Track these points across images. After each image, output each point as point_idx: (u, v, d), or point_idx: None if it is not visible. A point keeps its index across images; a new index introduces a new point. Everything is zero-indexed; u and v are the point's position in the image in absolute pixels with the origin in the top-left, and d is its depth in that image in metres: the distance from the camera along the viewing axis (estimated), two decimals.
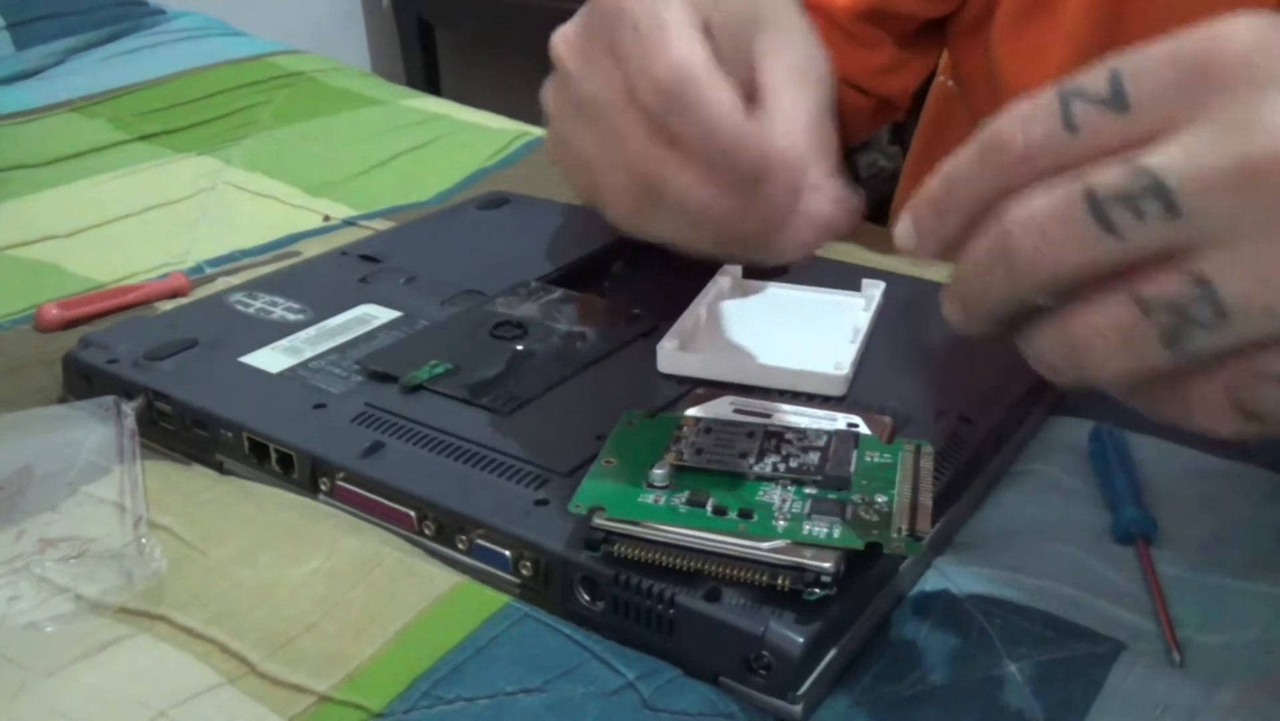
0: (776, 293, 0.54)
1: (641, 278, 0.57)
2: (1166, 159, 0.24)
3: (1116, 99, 0.25)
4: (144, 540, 0.38)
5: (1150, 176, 0.24)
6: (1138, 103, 0.25)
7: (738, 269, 0.54)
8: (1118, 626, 0.37)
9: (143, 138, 0.89)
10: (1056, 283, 0.26)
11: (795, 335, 0.49)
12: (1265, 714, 0.33)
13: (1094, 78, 0.25)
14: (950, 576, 0.40)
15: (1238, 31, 0.24)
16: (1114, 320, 0.26)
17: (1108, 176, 0.25)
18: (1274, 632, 0.36)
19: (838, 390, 0.44)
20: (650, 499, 0.35)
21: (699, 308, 0.50)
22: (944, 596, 0.39)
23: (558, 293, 0.54)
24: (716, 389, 0.44)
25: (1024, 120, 0.26)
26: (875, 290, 0.52)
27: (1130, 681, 0.35)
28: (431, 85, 1.99)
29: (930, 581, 0.40)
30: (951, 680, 0.35)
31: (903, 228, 0.30)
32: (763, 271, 0.54)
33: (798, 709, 0.33)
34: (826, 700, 0.34)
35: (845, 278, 0.53)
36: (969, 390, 0.45)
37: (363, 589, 0.37)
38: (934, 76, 0.80)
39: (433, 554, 0.39)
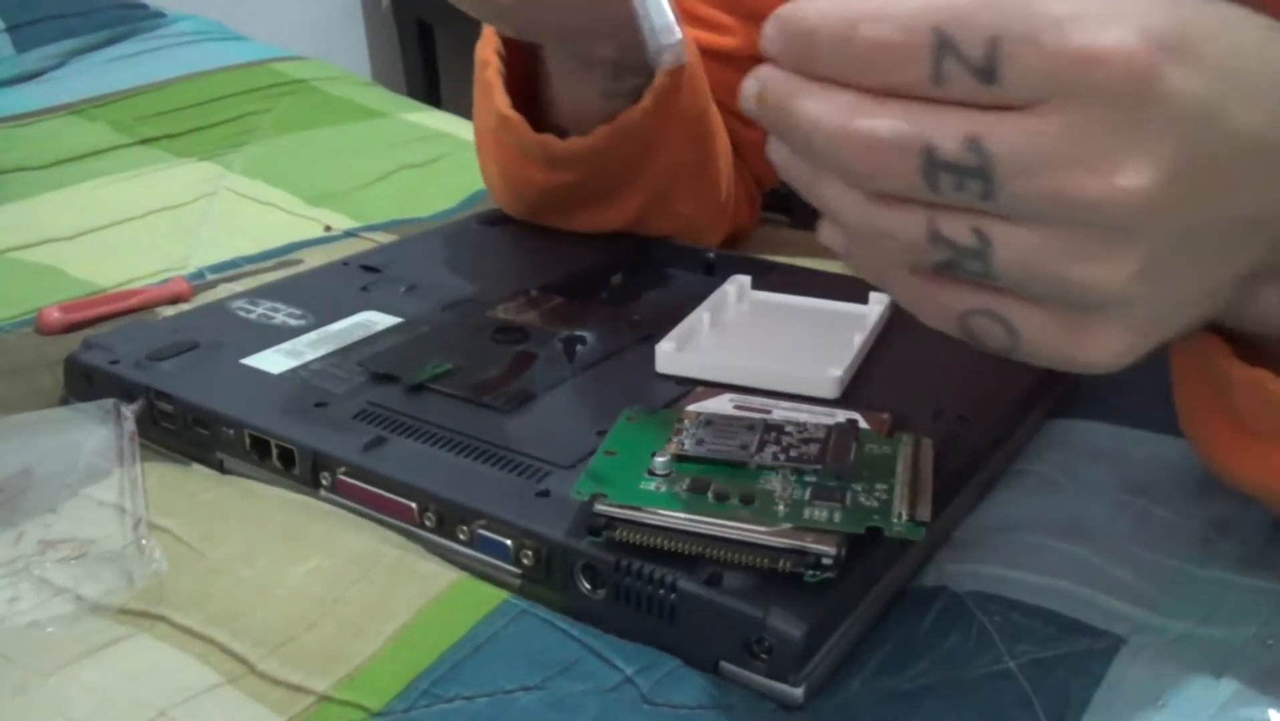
0: (782, 302, 0.54)
1: (640, 289, 0.58)
2: (1005, 148, 0.26)
3: (988, 73, 0.25)
4: (144, 541, 0.38)
5: (984, 160, 0.26)
6: (1008, 81, 0.25)
7: (745, 279, 0.54)
8: (1117, 621, 0.37)
9: (143, 141, 0.89)
10: (858, 183, 0.28)
11: (796, 341, 0.50)
12: (1264, 708, 0.33)
13: (973, 39, 0.25)
14: (950, 573, 0.40)
15: (1126, 47, 0.25)
16: (904, 232, 0.28)
17: (948, 143, 0.26)
18: (1273, 627, 0.36)
19: (831, 392, 0.44)
20: (652, 486, 0.36)
21: (702, 313, 0.50)
22: (944, 593, 0.39)
23: (557, 300, 0.54)
24: (716, 388, 0.44)
25: (892, 56, 0.26)
26: (881, 302, 0.52)
27: (1129, 676, 0.35)
28: (431, 86, 1.99)
29: (930, 578, 0.40)
30: (952, 676, 0.35)
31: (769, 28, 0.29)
32: (768, 281, 0.55)
33: (799, 691, 0.33)
34: (827, 692, 0.34)
35: (852, 290, 0.54)
36: (968, 391, 0.45)
37: (361, 587, 0.37)
38: None
39: (433, 547, 0.39)
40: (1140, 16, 0.25)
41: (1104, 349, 0.28)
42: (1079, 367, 0.28)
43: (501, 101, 0.56)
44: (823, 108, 0.27)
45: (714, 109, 0.63)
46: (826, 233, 0.31)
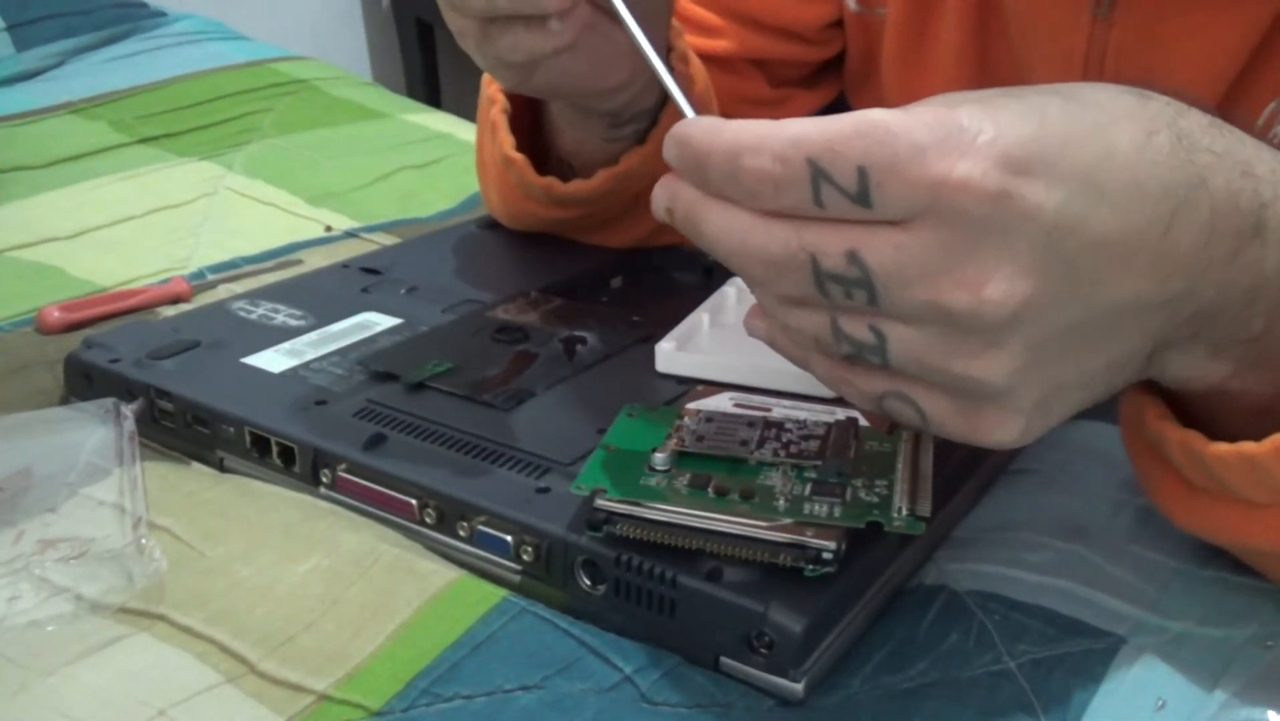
0: None
1: (640, 292, 0.58)
2: (881, 261, 0.28)
3: (862, 198, 0.27)
4: (144, 540, 0.38)
5: (864, 271, 0.28)
6: (879, 205, 0.27)
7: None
8: (1117, 621, 0.37)
9: (143, 141, 0.89)
10: (765, 288, 0.31)
11: None
12: (1264, 708, 0.33)
13: (844, 170, 0.27)
14: (950, 572, 0.40)
15: (979, 173, 0.27)
16: (811, 328, 0.31)
17: (829, 260, 0.29)
18: (1272, 627, 0.36)
19: (831, 391, 0.44)
20: (652, 481, 0.36)
21: (701, 314, 0.50)
22: (944, 592, 0.39)
23: (557, 301, 0.54)
24: (716, 387, 0.45)
25: (775, 181, 0.28)
26: None
27: (1129, 676, 0.35)
28: (431, 86, 1.99)
29: (930, 577, 0.40)
30: (951, 675, 0.35)
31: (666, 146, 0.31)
32: None
33: (799, 686, 0.33)
34: (827, 690, 0.34)
35: None
36: None
37: (361, 586, 0.37)
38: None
39: (433, 545, 0.39)
40: (996, 141, 0.27)
41: (1001, 431, 0.31)
42: (985, 445, 0.31)
43: (506, 142, 0.57)
44: (720, 225, 0.30)
45: None
46: (749, 322, 0.34)
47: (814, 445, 0.38)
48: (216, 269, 0.67)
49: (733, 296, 0.53)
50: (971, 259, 0.28)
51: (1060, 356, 0.30)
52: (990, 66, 0.59)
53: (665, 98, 0.56)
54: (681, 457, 0.37)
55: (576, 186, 0.57)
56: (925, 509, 0.34)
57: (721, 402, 0.43)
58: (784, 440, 0.38)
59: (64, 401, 0.50)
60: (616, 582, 0.35)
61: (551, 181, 0.56)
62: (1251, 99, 0.50)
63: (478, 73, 0.53)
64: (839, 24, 0.66)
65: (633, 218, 0.60)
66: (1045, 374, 0.30)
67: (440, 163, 0.88)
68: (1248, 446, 0.33)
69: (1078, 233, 0.28)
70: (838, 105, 0.72)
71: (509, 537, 0.37)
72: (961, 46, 0.59)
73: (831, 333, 0.30)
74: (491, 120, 0.58)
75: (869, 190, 0.27)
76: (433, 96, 1.97)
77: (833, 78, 0.70)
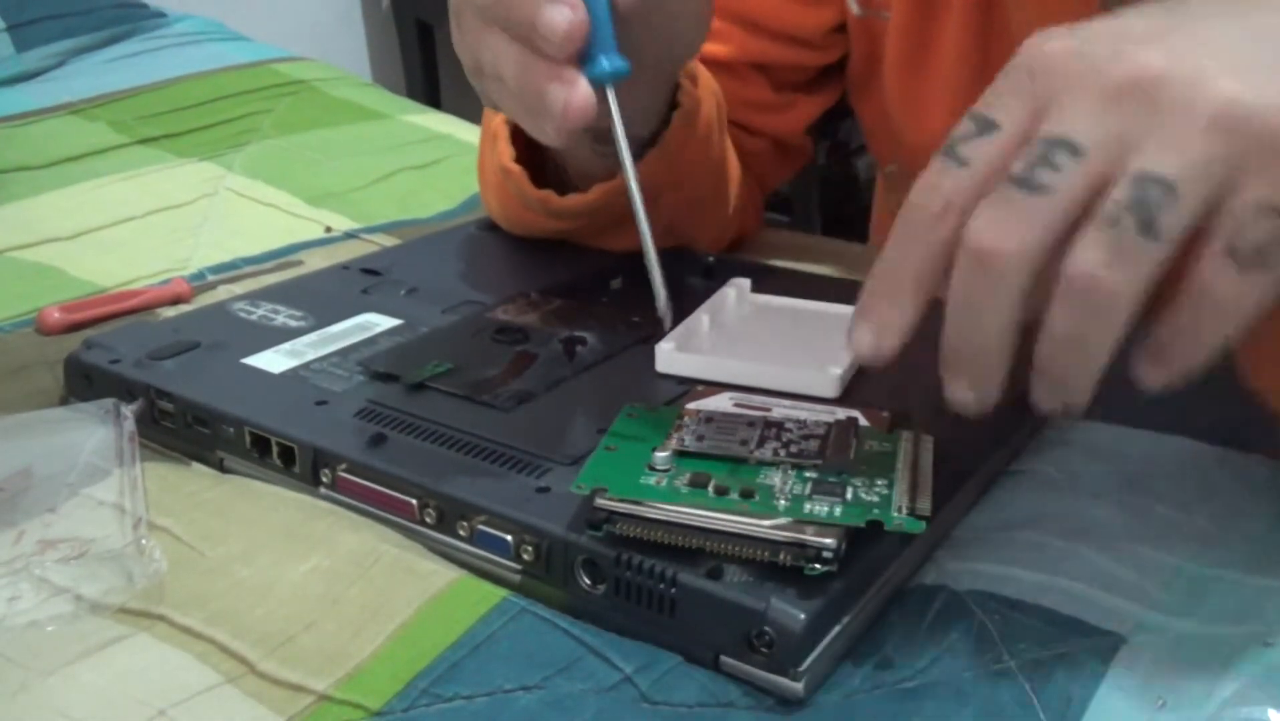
0: (781, 304, 0.54)
1: (640, 292, 0.57)
2: (1048, 124, 0.28)
3: (984, 125, 0.29)
4: (144, 541, 0.38)
5: (1043, 139, 0.28)
6: (999, 119, 0.29)
7: (745, 282, 0.54)
8: (1117, 620, 0.37)
9: (143, 141, 0.89)
10: (1030, 262, 0.28)
11: (795, 342, 0.50)
12: (1264, 707, 0.33)
13: (957, 125, 0.30)
14: (950, 571, 0.40)
15: (1038, 39, 0.30)
16: (1098, 248, 0.28)
17: (1017, 163, 0.28)
18: (1274, 626, 0.36)
19: (831, 391, 0.44)
20: (652, 480, 0.36)
21: (701, 315, 0.50)
22: (944, 591, 0.39)
23: (557, 302, 0.54)
24: (716, 388, 0.45)
25: (924, 184, 0.29)
26: None
27: (1130, 676, 0.35)
28: (431, 87, 1.99)
29: (930, 576, 0.40)
30: (951, 675, 0.35)
31: (861, 338, 0.32)
32: (768, 284, 0.55)
33: (799, 685, 0.33)
34: (826, 689, 0.34)
35: (851, 294, 0.53)
36: None
37: (361, 586, 0.37)
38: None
39: (433, 545, 0.39)
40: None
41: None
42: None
43: (505, 153, 0.57)
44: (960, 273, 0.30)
45: (727, 146, 0.63)
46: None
47: (814, 445, 0.38)
48: (216, 269, 0.67)
49: (733, 296, 0.53)
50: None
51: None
52: (993, 70, 0.59)
53: (659, 123, 0.56)
54: (681, 457, 0.37)
55: (572, 200, 0.57)
56: (925, 508, 0.34)
57: (721, 403, 0.43)
58: (784, 440, 0.38)
59: (64, 402, 0.50)
60: (616, 582, 0.35)
61: (548, 195, 0.56)
62: None
63: None
64: (842, 28, 0.66)
65: (632, 226, 0.60)
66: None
67: (440, 163, 0.88)
68: None
69: None
70: (839, 109, 0.73)
71: (509, 537, 0.37)
72: (964, 49, 0.59)
73: (1107, 229, 0.28)
74: (493, 130, 0.58)
75: (983, 114, 0.30)
76: (433, 97, 1.97)
77: (835, 81, 0.70)
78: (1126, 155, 0.28)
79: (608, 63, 0.40)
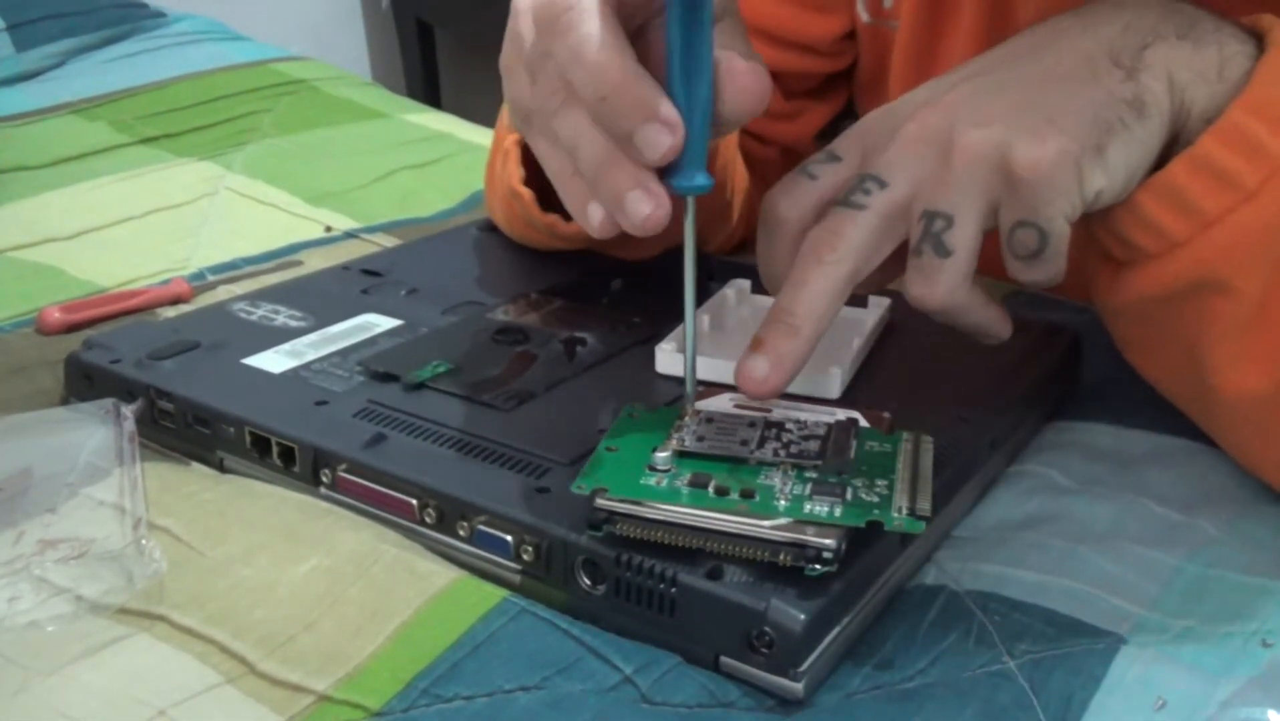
0: None
1: (640, 294, 0.58)
2: (866, 164, 0.39)
3: (831, 157, 0.40)
4: (144, 541, 0.38)
5: (861, 177, 0.39)
6: (842, 156, 0.40)
7: (745, 283, 0.54)
8: (1117, 621, 0.37)
9: (143, 141, 0.89)
10: (855, 253, 0.38)
11: None
12: (1264, 707, 0.33)
13: (816, 154, 0.41)
14: (950, 572, 0.40)
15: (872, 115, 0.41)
16: (915, 275, 0.38)
17: (842, 190, 0.39)
18: (1273, 625, 0.36)
19: (831, 391, 0.44)
20: (653, 480, 0.36)
21: (702, 316, 0.50)
22: (943, 592, 0.39)
23: (558, 303, 0.54)
24: (717, 388, 0.44)
25: (780, 190, 0.40)
26: (881, 305, 0.52)
27: (1130, 675, 0.35)
28: (431, 87, 1.99)
29: (930, 576, 0.40)
30: (951, 675, 0.35)
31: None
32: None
33: (799, 686, 0.33)
34: (826, 690, 0.34)
35: (853, 295, 0.53)
36: (968, 392, 0.46)
37: (361, 586, 0.37)
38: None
39: (432, 545, 0.40)
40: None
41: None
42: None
43: (515, 175, 0.56)
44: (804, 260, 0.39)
45: (736, 159, 0.63)
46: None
47: (814, 445, 0.38)
48: (217, 269, 0.67)
49: (733, 297, 0.53)
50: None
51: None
52: None
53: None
54: (682, 457, 0.37)
55: (577, 228, 0.56)
56: (925, 508, 0.34)
57: (722, 403, 0.43)
58: (784, 440, 0.38)
59: (64, 402, 0.50)
60: (617, 582, 0.35)
61: (555, 220, 0.56)
62: None
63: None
64: (851, 36, 0.66)
65: (635, 242, 0.60)
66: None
67: (440, 162, 0.88)
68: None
69: None
70: (846, 114, 0.73)
71: (509, 537, 0.37)
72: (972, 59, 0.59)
73: (918, 238, 0.38)
74: (505, 147, 0.58)
75: (833, 151, 0.41)
76: (432, 97, 1.97)
77: (841, 88, 0.70)
78: (918, 191, 0.38)
79: (702, 179, 0.37)
